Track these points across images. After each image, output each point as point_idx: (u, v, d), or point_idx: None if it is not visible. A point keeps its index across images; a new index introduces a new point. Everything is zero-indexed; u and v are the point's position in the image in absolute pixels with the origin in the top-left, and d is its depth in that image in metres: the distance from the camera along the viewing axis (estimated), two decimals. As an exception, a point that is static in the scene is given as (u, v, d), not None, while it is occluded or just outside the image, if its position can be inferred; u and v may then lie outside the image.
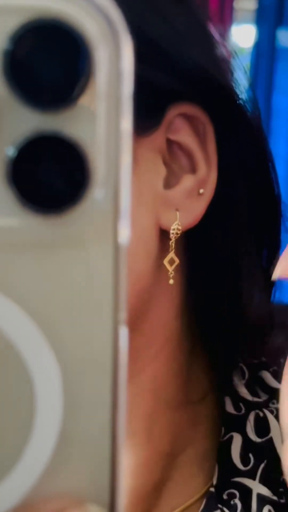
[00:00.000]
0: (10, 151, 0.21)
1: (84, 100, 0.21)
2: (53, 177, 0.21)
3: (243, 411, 0.47)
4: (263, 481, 0.45)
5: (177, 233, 0.40)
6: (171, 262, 0.41)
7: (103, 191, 0.22)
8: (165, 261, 0.41)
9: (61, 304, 0.22)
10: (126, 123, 0.22)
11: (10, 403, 0.22)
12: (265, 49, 2.30)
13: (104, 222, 0.22)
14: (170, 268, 0.41)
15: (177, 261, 0.41)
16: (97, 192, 0.22)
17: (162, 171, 0.40)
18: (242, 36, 2.32)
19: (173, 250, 0.40)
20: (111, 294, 0.22)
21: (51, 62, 0.21)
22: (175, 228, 0.40)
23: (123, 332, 0.22)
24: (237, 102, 0.42)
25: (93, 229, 0.22)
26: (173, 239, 0.40)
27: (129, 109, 0.22)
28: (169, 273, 0.41)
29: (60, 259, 0.22)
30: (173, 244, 0.40)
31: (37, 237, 0.22)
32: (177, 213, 0.40)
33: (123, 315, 0.22)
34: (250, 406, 0.47)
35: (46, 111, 0.21)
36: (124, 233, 0.22)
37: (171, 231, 0.40)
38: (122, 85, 0.21)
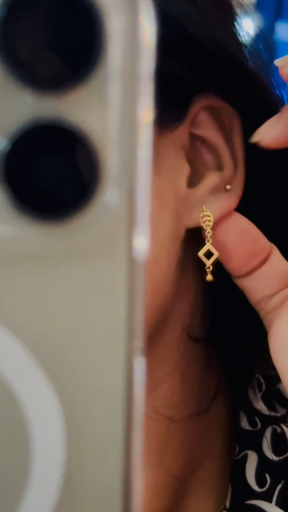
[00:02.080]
0: (2, 144, 0.17)
1: (93, 80, 0.17)
2: (54, 176, 0.17)
3: (259, 426, 0.44)
4: (280, 504, 0.42)
5: (209, 221, 0.36)
6: (208, 255, 0.36)
7: (116, 192, 0.18)
8: (200, 254, 0.36)
9: (63, 331, 0.18)
10: (145, 109, 0.17)
11: (1, 448, 0.18)
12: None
13: (117, 231, 0.18)
14: (208, 262, 0.36)
15: (216, 253, 0.36)
16: (108, 193, 0.18)
17: (186, 169, 0.36)
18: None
19: (210, 241, 0.36)
20: (125, 318, 0.18)
21: (52, 30, 0.17)
22: (204, 215, 0.36)
23: (139, 363, 0.18)
24: (267, 92, 0.38)
25: (103, 239, 0.18)
26: (208, 229, 0.36)
27: (148, 92, 0.17)
28: (207, 267, 0.36)
29: (62, 276, 0.18)
30: (209, 235, 0.36)
31: (35, 249, 0.18)
32: (203, 205, 0.36)
33: (139, 343, 0.18)
34: (267, 421, 0.43)
35: (46, 94, 0.17)
36: (141, 244, 0.18)
37: (202, 220, 0.36)
38: (141, 62, 0.17)
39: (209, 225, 0.36)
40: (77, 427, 0.19)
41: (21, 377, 0.18)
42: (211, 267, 0.36)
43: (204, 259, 0.36)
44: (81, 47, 0.17)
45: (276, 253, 0.37)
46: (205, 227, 0.36)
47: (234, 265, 0.36)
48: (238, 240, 0.36)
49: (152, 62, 0.17)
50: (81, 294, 0.18)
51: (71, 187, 0.17)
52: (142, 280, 0.18)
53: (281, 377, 0.33)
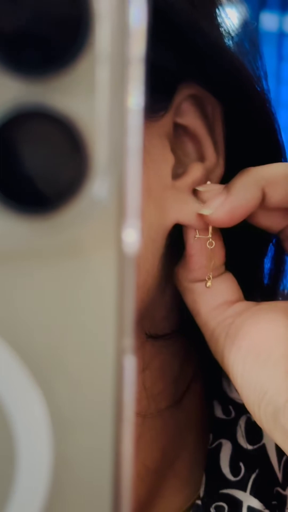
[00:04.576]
0: (-17, 132, 0.16)
1: (80, 65, 0.16)
2: (40, 166, 0.16)
3: (233, 415, 0.43)
4: (254, 493, 0.41)
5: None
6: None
7: (105, 184, 0.17)
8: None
9: (51, 327, 0.17)
10: (135, 95, 0.17)
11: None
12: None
13: (106, 225, 0.17)
14: (208, 272, 0.36)
15: (213, 260, 0.36)
16: (96, 185, 0.17)
17: (171, 159, 0.35)
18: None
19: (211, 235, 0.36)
20: (115, 316, 0.17)
21: (37, 12, 0.16)
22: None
23: (130, 362, 0.18)
24: (250, 82, 0.37)
25: (92, 233, 0.17)
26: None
27: (138, 77, 0.17)
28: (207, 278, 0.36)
29: (49, 273, 0.17)
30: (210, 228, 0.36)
31: (20, 244, 0.17)
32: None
33: (130, 341, 0.18)
34: (241, 410, 0.43)
35: (30, 79, 0.16)
36: (132, 238, 0.17)
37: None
38: (130, 45, 0.16)
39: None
40: (65, 426, 0.18)
41: (7, 375, 0.17)
42: (211, 274, 0.36)
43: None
44: (68, 30, 0.16)
45: None
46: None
47: (216, 261, 0.36)
48: (215, 242, 0.36)
49: (142, 46, 0.17)
50: (70, 289, 0.17)
51: (57, 178, 0.16)
52: (132, 275, 0.17)
53: (240, 384, 0.33)
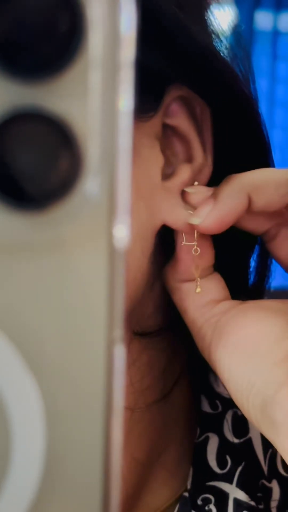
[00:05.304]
0: (-20, 132, 0.17)
1: (73, 69, 0.17)
2: (34, 165, 0.17)
3: (220, 409, 0.44)
4: (240, 485, 0.42)
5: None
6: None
7: (96, 182, 0.17)
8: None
9: (43, 321, 0.18)
10: (126, 97, 0.17)
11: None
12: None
13: (97, 221, 0.18)
14: (196, 274, 0.37)
15: (200, 266, 0.37)
16: (88, 183, 0.17)
17: (160, 159, 0.36)
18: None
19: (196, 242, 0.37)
20: (105, 309, 0.18)
21: (31, 18, 0.17)
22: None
23: (119, 353, 0.18)
24: (238, 85, 0.38)
25: (84, 228, 0.18)
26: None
27: (129, 80, 0.17)
28: (196, 280, 0.37)
29: (41, 267, 0.18)
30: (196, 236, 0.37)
31: (13, 239, 0.17)
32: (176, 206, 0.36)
33: (120, 332, 0.18)
34: (228, 404, 0.44)
35: (26, 82, 0.17)
36: (122, 234, 0.18)
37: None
38: (121, 50, 0.17)
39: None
40: (57, 417, 0.19)
41: (1, 366, 0.18)
42: (199, 280, 0.37)
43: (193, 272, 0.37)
44: (62, 36, 0.17)
45: None
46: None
47: (204, 263, 0.37)
48: (202, 244, 0.37)
49: (132, 50, 0.17)
50: (61, 284, 0.18)
51: (51, 176, 0.17)
52: (122, 269, 0.18)
53: (227, 379, 0.34)
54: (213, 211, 0.35)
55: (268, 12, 2.56)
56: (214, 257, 0.38)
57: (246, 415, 0.33)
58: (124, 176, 0.18)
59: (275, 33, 2.60)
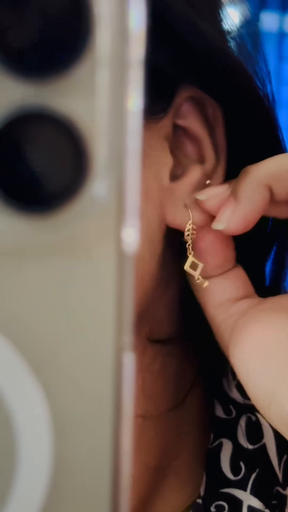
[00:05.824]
0: (-14, 133, 0.16)
1: (81, 68, 0.17)
2: (41, 166, 0.17)
3: (233, 415, 0.43)
4: (254, 492, 0.42)
5: (193, 234, 0.36)
6: (194, 266, 0.36)
7: (104, 184, 0.17)
8: (186, 267, 0.36)
9: (51, 325, 0.18)
10: (135, 97, 0.17)
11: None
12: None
13: (105, 224, 0.17)
14: (196, 274, 0.36)
15: (201, 264, 0.36)
16: (96, 185, 0.17)
17: (170, 161, 0.35)
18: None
19: (192, 253, 0.36)
20: (114, 314, 0.18)
21: (38, 16, 0.16)
22: (189, 229, 0.35)
23: (129, 360, 0.18)
24: (251, 84, 0.37)
25: (92, 231, 0.17)
26: (190, 242, 0.36)
27: (138, 80, 0.17)
28: (196, 278, 0.36)
29: (49, 271, 0.17)
30: (191, 247, 0.36)
31: (20, 243, 0.17)
32: (190, 212, 0.35)
33: (129, 338, 0.18)
34: (242, 409, 0.43)
35: (32, 81, 0.16)
36: (131, 238, 0.17)
37: (186, 232, 0.35)
38: (130, 49, 0.17)
39: (192, 238, 0.36)
40: (64, 422, 0.18)
41: (7, 373, 0.17)
42: (200, 277, 0.36)
43: (191, 271, 0.36)
44: (69, 34, 0.16)
45: None
46: (186, 238, 0.36)
47: (213, 264, 0.36)
48: (218, 240, 0.36)
49: (141, 49, 0.17)
50: (69, 288, 0.17)
51: (58, 178, 0.17)
52: (131, 274, 0.18)
53: (246, 385, 0.33)
54: (236, 211, 0.34)
55: (273, 13, 2.55)
56: (233, 251, 0.37)
57: (269, 421, 0.33)
58: (132, 178, 0.17)
59: (281, 34, 2.58)
